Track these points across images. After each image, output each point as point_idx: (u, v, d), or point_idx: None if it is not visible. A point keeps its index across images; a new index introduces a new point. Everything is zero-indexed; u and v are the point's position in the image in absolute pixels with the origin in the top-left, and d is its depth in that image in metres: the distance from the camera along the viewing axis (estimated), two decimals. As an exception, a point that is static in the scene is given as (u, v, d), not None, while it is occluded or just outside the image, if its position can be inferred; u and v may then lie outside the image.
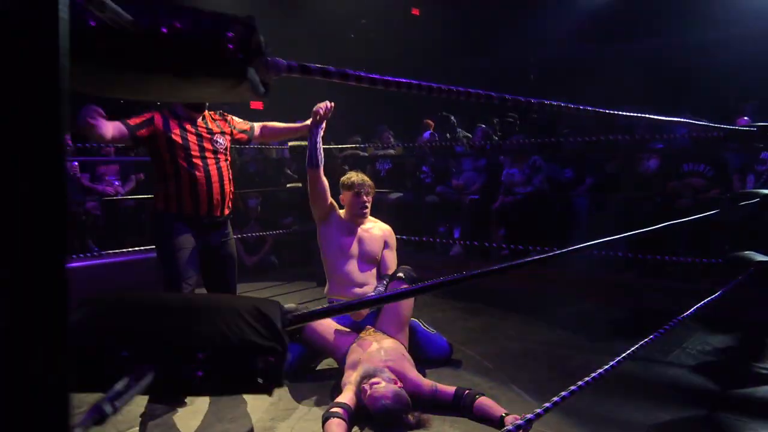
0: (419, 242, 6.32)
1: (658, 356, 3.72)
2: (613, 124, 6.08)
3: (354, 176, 3.71)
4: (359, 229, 3.69)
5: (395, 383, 2.82)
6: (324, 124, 3.36)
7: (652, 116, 2.35)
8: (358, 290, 3.61)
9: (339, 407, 2.72)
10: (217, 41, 0.82)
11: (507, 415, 2.69)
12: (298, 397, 3.13)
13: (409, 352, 3.49)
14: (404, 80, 1.33)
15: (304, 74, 1.14)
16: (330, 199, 3.65)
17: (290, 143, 6.07)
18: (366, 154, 7.39)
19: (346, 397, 2.84)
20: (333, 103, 3.31)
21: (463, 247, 6.18)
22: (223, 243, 3.22)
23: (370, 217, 3.79)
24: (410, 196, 6.69)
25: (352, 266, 3.63)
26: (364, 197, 3.64)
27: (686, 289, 4.66)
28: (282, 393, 3.14)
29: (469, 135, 7.21)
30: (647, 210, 5.18)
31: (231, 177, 3.23)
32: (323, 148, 3.42)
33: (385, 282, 3.61)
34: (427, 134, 7.42)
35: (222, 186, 3.14)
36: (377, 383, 2.79)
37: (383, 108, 9.91)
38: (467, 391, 2.88)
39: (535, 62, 10.51)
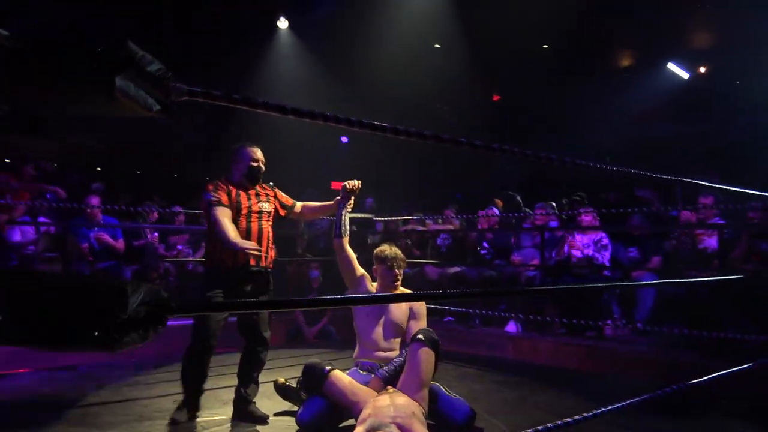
0: (478, 317, 6.30)
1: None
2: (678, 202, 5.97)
3: (387, 249, 3.92)
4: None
5: (396, 439, 2.83)
6: (351, 200, 3.89)
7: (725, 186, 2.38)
8: (381, 354, 3.78)
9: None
10: (81, 51, 1.01)
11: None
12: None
13: (430, 415, 3.53)
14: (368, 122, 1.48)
15: (207, 99, 1.32)
16: (360, 271, 3.93)
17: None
18: (425, 228, 7.53)
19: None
20: (360, 182, 3.87)
21: (519, 323, 6.07)
22: (255, 289, 3.79)
23: (400, 288, 3.97)
24: (469, 271, 6.70)
25: (378, 333, 3.81)
26: (396, 270, 3.85)
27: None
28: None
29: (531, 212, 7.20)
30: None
31: (273, 237, 3.87)
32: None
33: (404, 351, 3.65)
34: (490, 210, 7.48)
35: (267, 242, 3.80)
36: (379, 436, 2.81)
37: (452, 186, 10.13)
38: (470, 452, 2.83)
39: (611, 141, 10.44)
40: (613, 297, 6.07)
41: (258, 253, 3.63)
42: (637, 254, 6.28)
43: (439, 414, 3.59)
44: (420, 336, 3.54)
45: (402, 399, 3.27)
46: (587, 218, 5.99)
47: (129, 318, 1.04)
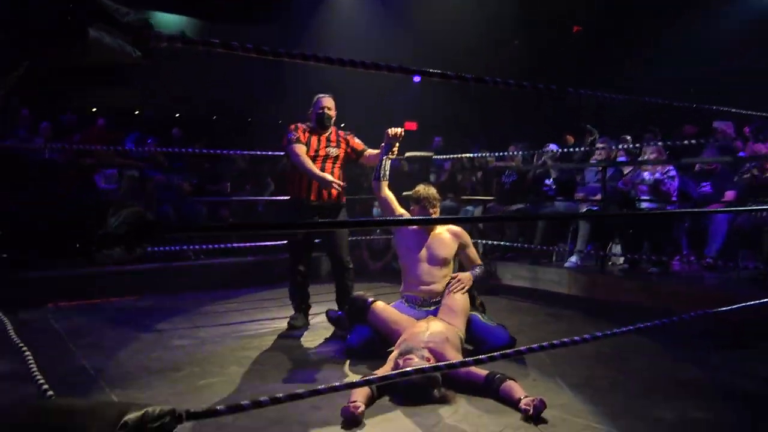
0: (537, 253, 6.33)
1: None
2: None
3: (421, 190, 4.05)
4: (429, 236, 4.03)
5: (428, 361, 3.01)
6: (395, 146, 4.04)
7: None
8: (424, 288, 3.95)
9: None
10: (53, 7, 1.17)
11: (525, 397, 2.76)
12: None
13: (470, 342, 3.71)
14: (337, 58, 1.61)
15: (186, 44, 1.46)
16: (400, 211, 4.07)
17: (407, 154, 6.47)
18: (488, 165, 7.54)
19: (382, 369, 3.11)
20: (402, 129, 4.05)
21: (580, 259, 6.06)
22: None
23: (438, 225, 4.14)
24: (531, 208, 6.69)
25: (421, 268, 3.97)
26: (430, 210, 3.96)
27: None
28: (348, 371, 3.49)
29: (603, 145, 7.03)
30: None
31: (339, 178, 4.33)
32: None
33: (476, 269, 3.98)
34: (552, 146, 7.33)
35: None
36: (410, 359, 3.01)
37: (524, 122, 9.96)
38: (498, 375, 2.99)
39: (696, 74, 9.87)
40: (681, 231, 5.93)
41: (338, 188, 4.16)
42: (711, 189, 6.06)
43: (478, 341, 3.77)
44: (455, 274, 3.90)
45: (438, 326, 3.44)
46: (653, 151, 5.81)
47: (109, 234, 1.23)
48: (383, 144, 4.06)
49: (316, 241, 4.78)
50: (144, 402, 1.24)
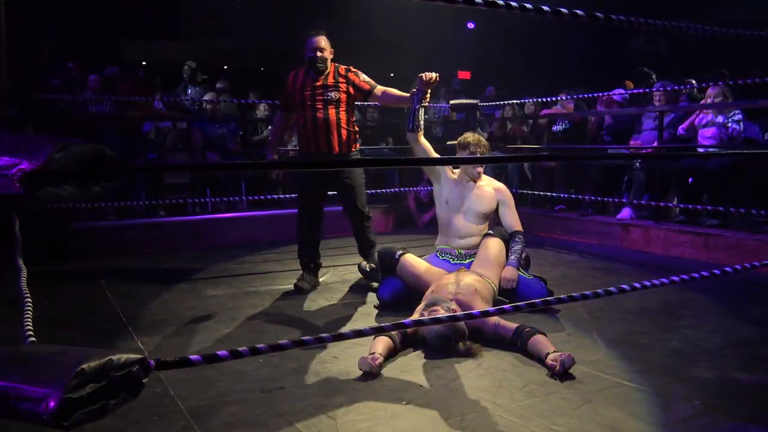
0: (589, 203, 6.07)
1: None
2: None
3: (470, 137, 3.90)
4: (468, 188, 3.90)
5: (454, 313, 2.90)
6: (428, 94, 3.70)
7: None
8: (461, 241, 3.87)
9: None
10: None
11: (554, 352, 2.63)
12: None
13: (506, 295, 3.58)
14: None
15: None
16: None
17: (452, 102, 6.27)
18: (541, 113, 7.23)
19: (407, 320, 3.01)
20: (437, 75, 3.64)
21: (634, 211, 5.77)
22: (342, 173, 4.11)
23: (485, 176, 4.01)
24: (582, 158, 6.39)
25: (459, 220, 3.88)
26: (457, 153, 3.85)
27: None
28: (375, 323, 3.40)
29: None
30: None
31: (346, 123, 4.03)
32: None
33: (518, 239, 3.75)
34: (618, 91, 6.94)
35: (335, 129, 3.98)
36: (436, 311, 2.92)
37: (584, 69, 9.50)
38: (527, 329, 2.86)
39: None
40: (745, 182, 5.54)
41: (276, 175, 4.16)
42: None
43: (512, 293, 3.63)
44: (489, 231, 3.77)
45: (469, 278, 3.32)
46: (713, 91, 5.41)
47: (52, 170, 1.17)
48: (416, 89, 3.74)
49: (330, 194, 4.42)
50: (133, 350, 1.19)
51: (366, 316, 3.54)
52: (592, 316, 3.45)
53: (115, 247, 5.42)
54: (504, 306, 1.97)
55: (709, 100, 5.49)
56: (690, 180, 5.48)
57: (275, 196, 6.34)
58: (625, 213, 5.84)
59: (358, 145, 4.21)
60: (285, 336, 3.16)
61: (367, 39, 10.71)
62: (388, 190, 6.78)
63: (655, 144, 5.84)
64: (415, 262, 3.65)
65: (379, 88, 4.09)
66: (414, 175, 7.26)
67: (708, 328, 3.21)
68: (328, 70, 4.01)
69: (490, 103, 7.33)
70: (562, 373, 2.52)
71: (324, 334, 1.59)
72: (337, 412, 2.23)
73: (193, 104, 7.04)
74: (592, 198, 5.94)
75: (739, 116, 5.38)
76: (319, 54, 3.94)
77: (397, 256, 3.67)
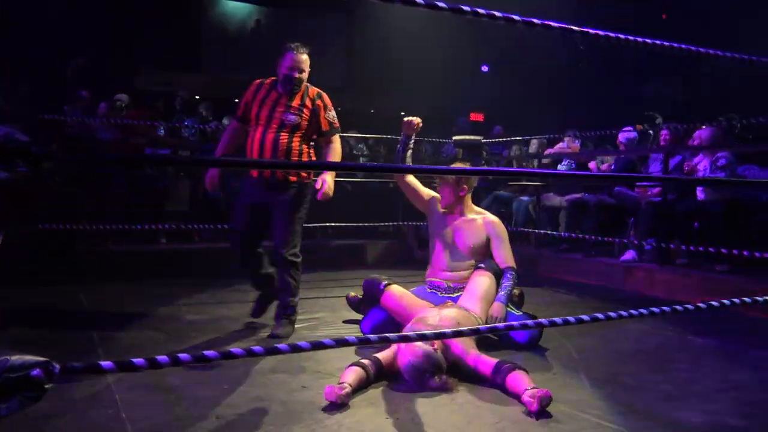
0: (592, 244, 5.91)
1: None
2: None
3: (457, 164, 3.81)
4: (458, 221, 3.77)
5: (433, 345, 2.76)
6: (413, 138, 3.71)
7: None
8: (449, 274, 3.73)
9: (367, 359, 2.79)
10: None
11: (532, 388, 2.47)
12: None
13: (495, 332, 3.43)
14: None
15: None
16: (428, 193, 3.88)
17: (455, 138, 6.21)
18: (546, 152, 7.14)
19: (384, 352, 2.90)
20: (419, 120, 3.65)
21: (636, 252, 5.60)
22: (279, 201, 3.57)
23: (476, 209, 3.87)
24: (589, 197, 6.25)
25: (446, 254, 3.75)
26: (462, 185, 3.70)
27: None
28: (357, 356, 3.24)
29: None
30: None
31: (298, 153, 3.55)
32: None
33: (510, 275, 3.55)
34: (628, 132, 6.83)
35: (284, 156, 3.50)
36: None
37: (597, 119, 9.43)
38: (507, 365, 2.71)
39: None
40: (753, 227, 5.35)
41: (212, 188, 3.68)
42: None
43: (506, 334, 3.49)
44: (481, 265, 3.58)
45: (452, 311, 3.18)
46: (703, 134, 5.29)
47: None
48: (402, 134, 3.72)
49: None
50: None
51: (347, 347, 3.38)
52: (582, 355, 3.28)
53: (111, 272, 5.35)
54: (480, 326, 1.84)
55: (696, 142, 5.39)
56: (695, 224, 5.32)
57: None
58: (629, 255, 5.67)
59: (312, 176, 3.62)
60: (254, 361, 3.02)
61: (379, 75, 10.79)
62: (390, 223, 6.70)
63: (660, 187, 5.70)
64: (400, 293, 3.52)
65: (334, 138, 3.69)
66: (417, 211, 7.14)
67: (703, 372, 3.02)
68: (299, 92, 3.57)
69: (495, 140, 7.24)
70: (539, 411, 2.36)
71: (300, 342, 1.46)
72: (291, 442, 2.09)
73: (192, 133, 7.02)
74: (596, 238, 5.78)
75: (723, 161, 5.23)
76: (297, 75, 3.49)
77: (381, 287, 3.54)
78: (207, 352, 1.42)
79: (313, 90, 3.63)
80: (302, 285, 3.90)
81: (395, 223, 6.72)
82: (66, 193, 5.75)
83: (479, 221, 3.76)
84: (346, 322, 3.99)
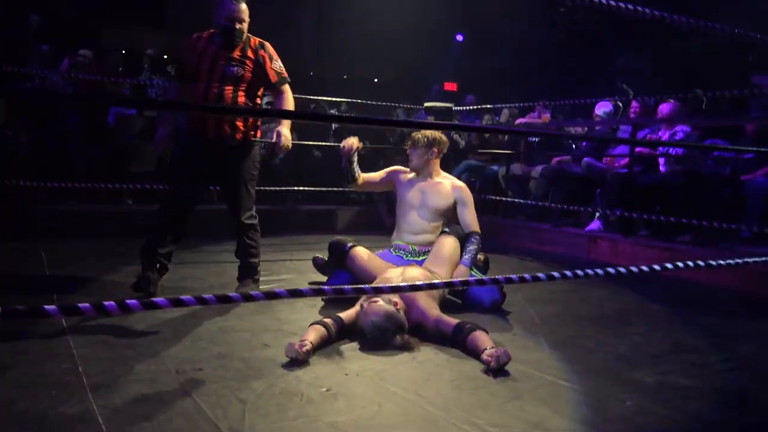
0: (560, 214, 5.98)
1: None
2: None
3: (415, 133, 3.83)
4: (425, 183, 3.79)
5: (395, 305, 2.78)
6: (355, 157, 3.72)
7: None
8: (414, 237, 3.75)
9: (330, 317, 2.80)
10: None
11: (490, 348, 2.50)
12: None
13: (454, 293, 3.48)
14: None
15: None
16: (384, 173, 3.94)
17: (426, 104, 6.18)
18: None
19: (347, 312, 2.91)
20: (357, 144, 3.67)
21: (602, 222, 5.68)
22: (230, 165, 3.44)
23: (444, 174, 3.90)
24: (557, 168, 6.30)
25: (413, 216, 3.77)
26: (408, 150, 3.82)
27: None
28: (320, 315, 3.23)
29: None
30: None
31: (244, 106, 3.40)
32: None
33: (474, 239, 3.57)
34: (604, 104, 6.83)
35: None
36: (375, 302, 2.79)
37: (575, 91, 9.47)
38: (468, 325, 2.74)
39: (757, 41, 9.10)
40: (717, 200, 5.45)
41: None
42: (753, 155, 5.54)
43: (467, 295, 3.53)
44: (446, 229, 3.62)
45: (415, 272, 3.20)
46: (664, 108, 5.36)
47: None
48: (342, 156, 3.70)
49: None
50: None
51: (311, 307, 3.38)
52: (543, 320, 3.33)
53: (76, 230, 5.26)
54: (436, 282, 1.85)
55: (659, 115, 5.48)
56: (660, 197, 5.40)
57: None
58: (595, 225, 5.75)
59: (258, 134, 3.53)
60: (216, 320, 3.01)
61: (350, 42, 10.66)
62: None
63: (626, 159, 5.77)
64: (365, 254, 3.54)
65: (285, 89, 3.49)
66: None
67: (658, 335, 3.10)
68: (239, 44, 3.35)
69: (464, 108, 7.23)
70: (497, 369, 2.39)
71: (253, 293, 1.45)
72: (250, 396, 2.09)
73: (160, 93, 6.85)
74: (564, 207, 5.84)
75: (680, 135, 5.32)
76: (238, 26, 3.27)
77: (347, 248, 3.55)
78: (157, 299, 1.41)
79: (255, 40, 3.41)
80: (270, 248, 3.85)
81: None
82: (27, 153, 5.63)
83: (447, 185, 3.78)
84: (311, 283, 3.98)
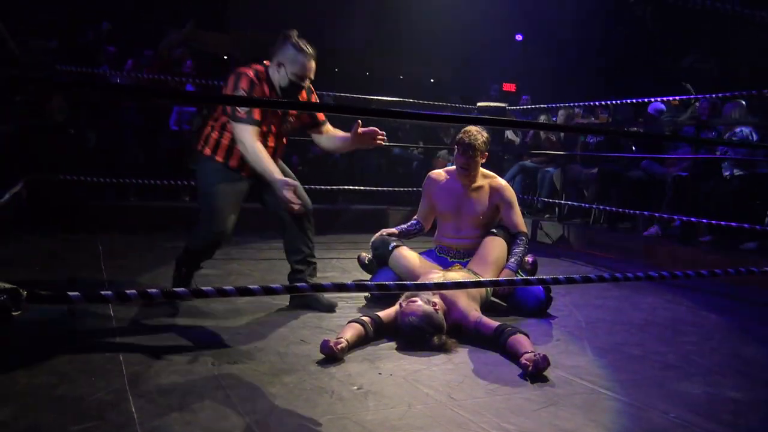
0: (617, 217, 5.79)
1: None
2: None
3: (464, 134, 3.49)
4: (462, 191, 3.58)
5: (434, 306, 2.75)
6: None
7: None
8: (457, 241, 3.60)
9: (368, 316, 2.79)
10: None
11: (529, 353, 2.43)
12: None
13: (499, 297, 3.42)
14: None
15: None
16: (429, 203, 3.70)
17: (478, 104, 6.10)
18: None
19: (386, 311, 2.89)
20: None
21: (661, 228, 5.48)
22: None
23: (484, 173, 3.64)
24: (615, 169, 6.11)
25: (455, 223, 3.60)
26: (461, 158, 3.47)
27: None
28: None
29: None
30: None
31: (281, 148, 3.25)
32: None
33: (520, 241, 3.49)
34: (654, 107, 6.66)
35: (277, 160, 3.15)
36: (414, 302, 2.76)
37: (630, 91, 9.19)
38: (509, 328, 2.68)
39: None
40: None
41: (296, 207, 2.91)
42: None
43: (511, 297, 3.45)
44: (493, 230, 3.51)
45: (458, 274, 3.16)
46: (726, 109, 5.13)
47: None
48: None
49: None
50: None
51: (352, 306, 3.38)
52: (590, 326, 3.22)
53: (132, 225, 5.45)
54: (477, 280, 1.82)
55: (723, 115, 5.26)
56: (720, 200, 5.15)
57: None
58: (653, 230, 5.55)
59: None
60: (256, 317, 3.05)
61: (408, 40, 10.61)
62: (413, 189, 6.64)
63: (688, 162, 5.54)
64: (408, 254, 3.49)
65: (329, 127, 3.33)
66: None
67: (711, 345, 2.95)
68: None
69: (520, 108, 7.11)
70: (535, 374, 2.33)
71: (301, 284, 1.47)
72: (281, 390, 2.10)
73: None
74: (621, 211, 5.64)
75: (740, 136, 5.06)
76: (306, 83, 3.11)
77: (390, 248, 3.53)
78: (203, 288, 1.45)
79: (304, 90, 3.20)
80: (317, 246, 3.75)
81: (417, 189, 6.65)
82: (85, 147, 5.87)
83: (486, 187, 3.59)
84: (356, 281, 3.97)
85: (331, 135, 3.33)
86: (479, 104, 6.00)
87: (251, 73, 3.02)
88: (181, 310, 3.03)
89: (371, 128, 3.14)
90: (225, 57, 8.35)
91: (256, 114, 2.97)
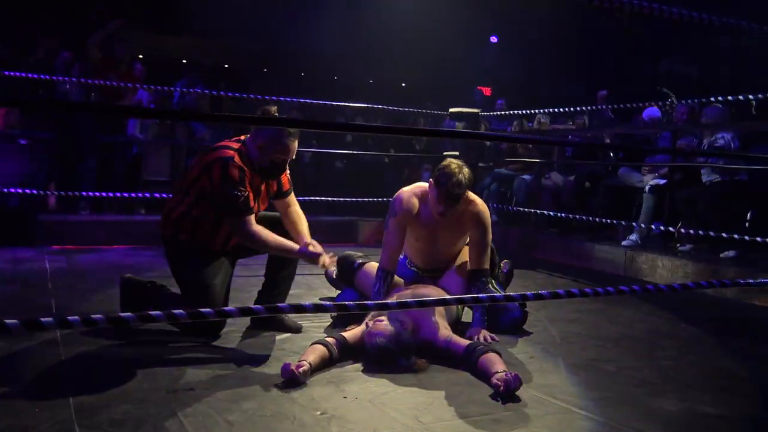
0: (593, 226, 5.88)
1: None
2: None
3: (448, 182, 3.05)
4: (438, 222, 3.28)
5: (402, 324, 2.76)
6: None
7: None
8: (431, 262, 3.49)
9: (332, 337, 2.80)
10: None
11: (502, 371, 2.46)
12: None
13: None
14: None
15: None
16: (403, 232, 3.34)
17: (451, 110, 6.17)
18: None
19: (351, 331, 2.91)
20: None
21: (640, 238, 5.58)
22: None
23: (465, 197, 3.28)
24: (591, 179, 6.23)
25: (429, 252, 3.45)
26: (441, 206, 3.12)
27: None
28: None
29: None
30: None
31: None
32: None
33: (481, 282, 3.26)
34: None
35: None
36: (381, 321, 2.78)
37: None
38: (480, 346, 2.71)
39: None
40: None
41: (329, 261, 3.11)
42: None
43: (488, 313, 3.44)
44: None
45: (427, 290, 3.17)
46: (710, 113, 5.27)
47: None
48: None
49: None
50: None
51: (317, 326, 3.37)
52: (565, 340, 3.27)
53: (83, 240, 5.39)
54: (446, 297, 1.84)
55: (703, 119, 5.38)
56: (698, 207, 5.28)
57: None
58: (631, 239, 5.65)
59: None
60: (222, 334, 3.04)
61: (379, 44, 10.70)
62: (384, 199, 6.67)
63: (665, 168, 5.66)
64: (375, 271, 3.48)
65: (293, 199, 3.34)
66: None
67: (688, 360, 3.02)
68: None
69: (493, 113, 7.21)
70: (506, 395, 2.36)
71: (256, 306, 1.48)
72: (239, 418, 2.09)
73: (183, 98, 6.98)
74: (598, 220, 5.72)
75: (721, 142, 5.20)
76: (286, 164, 3.12)
77: (356, 265, 3.53)
78: (151, 312, 1.46)
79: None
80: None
81: (388, 199, 6.69)
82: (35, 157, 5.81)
83: (465, 215, 3.26)
84: (322, 299, 3.98)
85: (293, 219, 3.28)
86: (451, 110, 6.05)
87: (237, 159, 2.97)
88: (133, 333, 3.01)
89: (323, 258, 3.07)
90: (184, 61, 8.31)
91: (251, 201, 3.00)
